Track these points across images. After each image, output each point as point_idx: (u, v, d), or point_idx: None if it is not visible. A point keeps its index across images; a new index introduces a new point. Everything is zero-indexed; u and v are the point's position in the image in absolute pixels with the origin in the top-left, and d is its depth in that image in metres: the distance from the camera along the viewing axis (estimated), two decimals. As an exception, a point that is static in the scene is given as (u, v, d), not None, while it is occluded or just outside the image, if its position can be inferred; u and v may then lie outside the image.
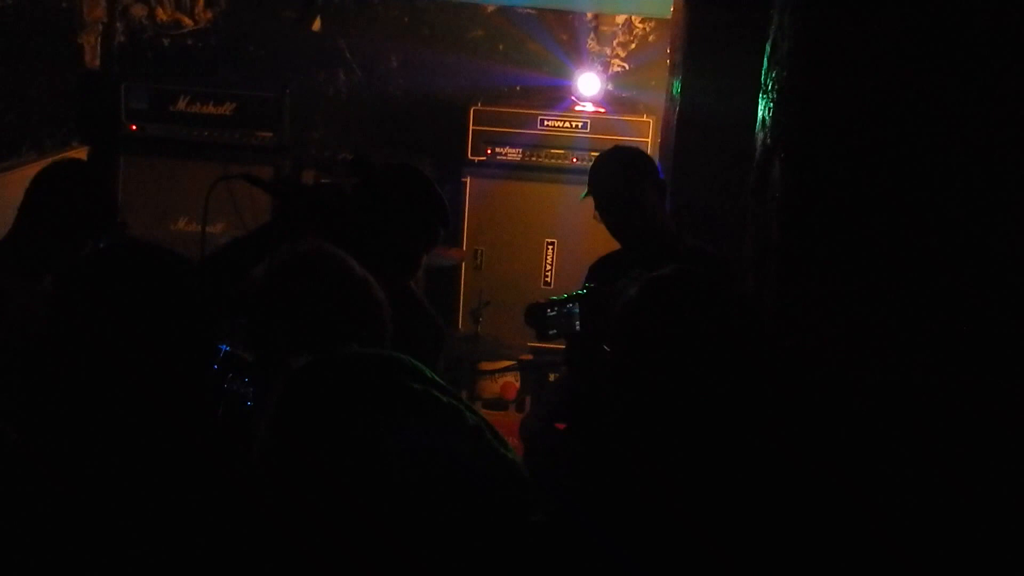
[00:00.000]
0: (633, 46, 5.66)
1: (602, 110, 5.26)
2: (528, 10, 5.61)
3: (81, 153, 5.10)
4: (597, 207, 3.19)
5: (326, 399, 1.70)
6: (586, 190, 3.24)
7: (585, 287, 2.95)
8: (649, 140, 5.02)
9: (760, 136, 2.19)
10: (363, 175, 2.84)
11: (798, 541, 1.71)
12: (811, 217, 1.89)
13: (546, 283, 5.20)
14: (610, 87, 5.58)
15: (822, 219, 1.86)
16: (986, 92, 1.64)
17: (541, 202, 5.19)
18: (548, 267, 5.22)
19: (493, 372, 5.32)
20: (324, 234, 2.51)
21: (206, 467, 1.65)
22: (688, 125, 3.93)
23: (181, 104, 5.13)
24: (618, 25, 5.65)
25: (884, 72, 1.75)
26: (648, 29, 5.64)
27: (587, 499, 1.77)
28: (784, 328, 1.91)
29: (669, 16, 4.75)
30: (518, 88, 5.63)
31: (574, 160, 5.15)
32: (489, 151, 5.21)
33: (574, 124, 5.20)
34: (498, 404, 5.29)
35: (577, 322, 2.81)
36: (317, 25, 5.59)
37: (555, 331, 2.84)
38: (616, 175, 3.16)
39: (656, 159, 3.67)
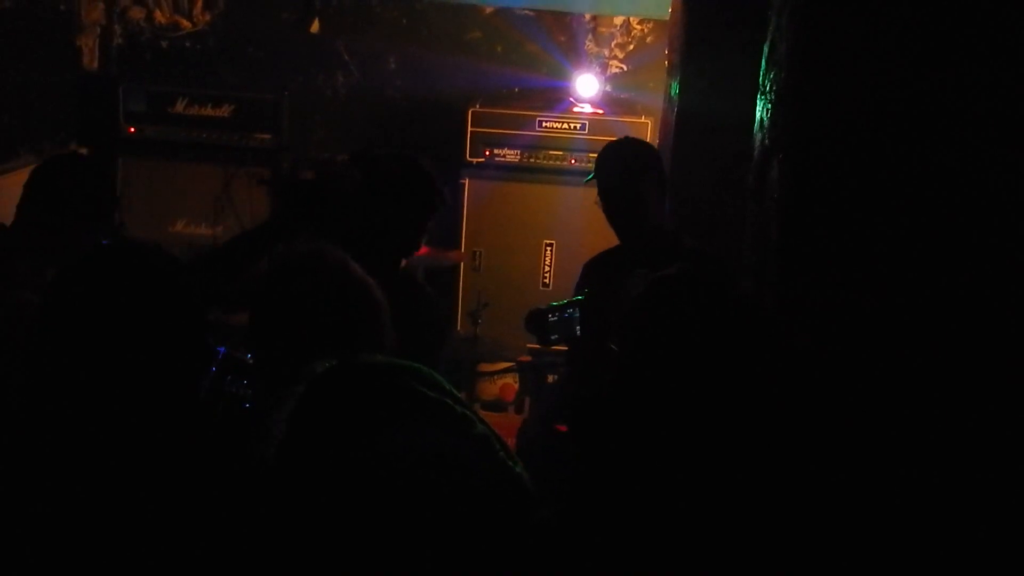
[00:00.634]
0: (631, 47, 5.66)
1: (600, 111, 5.26)
2: (526, 11, 5.61)
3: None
4: (600, 194, 3.20)
5: (347, 405, 1.70)
6: (591, 173, 3.27)
7: (584, 292, 2.96)
8: (647, 141, 5.02)
9: (758, 137, 2.19)
10: (363, 164, 2.93)
11: (798, 540, 1.71)
12: (810, 218, 1.89)
13: (544, 284, 5.20)
14: (608, 88, 5.58)
15: (821, 220, 1.86)
16: (983, 92, 1.64)
17: (539, 203, 5.18)
18: (547, 268, 5.22)
19: (492, 374, 5.32)
20: (325, 223, 2.58)
21: (203, 468, 1.65)
22: (686, 126, 3.93)
23: (179, 106, 5.13)
24: (616, 26, 5.65)
25: (882, 73, 1.76)
26: (646, 30, 5.64)
27: (589, 501, 1.78)
28: (783, 328, 1.91)
29: (667, 17, 4.75)
30: (516, 90, 5.63)
31: (572, 161, 5.16)
32: (487, 152, 5.21)
33: (572, 125, 5.20)
34: (497, 405, 5.30)
35: (578, 327, 2.82)
36: (315, 27, 5.59)
37: (556, 336, 2.85)
38: (620, 166, 3.19)
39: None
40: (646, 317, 1.84)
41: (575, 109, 5.27)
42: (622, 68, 5.66)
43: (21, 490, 1.56)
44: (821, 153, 1.86)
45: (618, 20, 5.64)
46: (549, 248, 5.21)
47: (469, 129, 5.21)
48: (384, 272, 2.31)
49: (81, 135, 5.26)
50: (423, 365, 1.80)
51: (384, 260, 2.81)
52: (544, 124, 5.20)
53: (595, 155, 3.36)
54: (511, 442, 3.27)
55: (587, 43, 5.64)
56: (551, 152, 5.20)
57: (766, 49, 2.14)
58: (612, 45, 5.65)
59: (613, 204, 3.17)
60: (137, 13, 5.62)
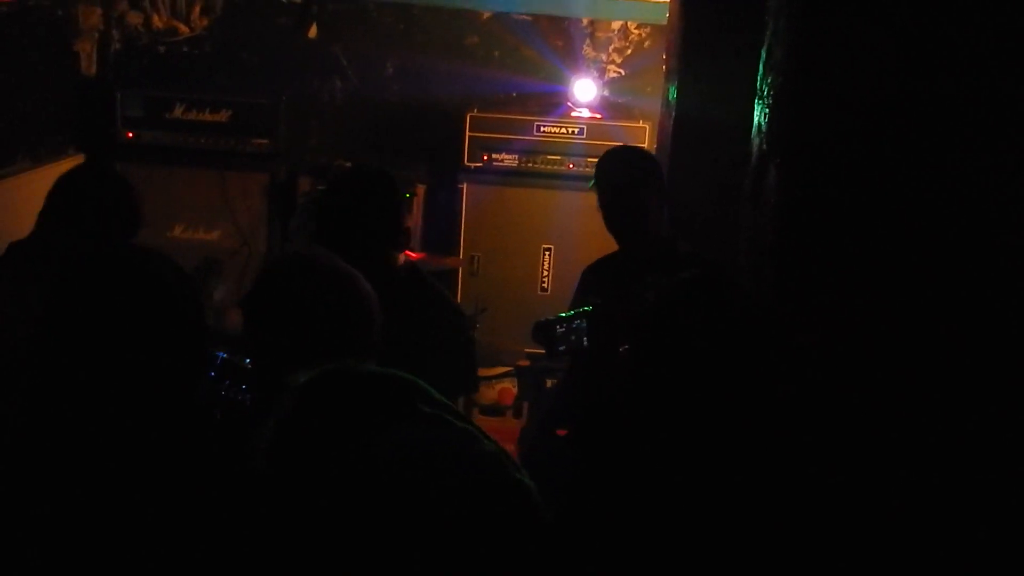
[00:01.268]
0: (629, 52, 5.67)
1: (598, 116, 5.26)
2: (524, 16, 5.61)
3: (78, 160, 5.10)
4: (600, 202, 3.21)
5: (333, 418, 1.70)
6: (592, 179, 3.28)
7: (592, 303, 2.96)
8: (645, 146, 5.01)
9: (756, 141, 2.20)
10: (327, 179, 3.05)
11: (798, 539, 1.71)
12: (806, 222, 1.89)
13: (543, 289, 5.20)
14: (606, 93, 5.58)
15: (817, 224, 1.86)
16: (980, 96, 1.64)
17: (538, 208, 5.19)
18: (545, 273, 5.22)
19: (490, 378, 5.32)
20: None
21: (202, 471, 1.65)
22: (684, 131, 3.94)
23: (177, 111, 5.13)
24: (614, 31, 5.65)
25: (878, 77, 1.76)
26: (644, 35, 5.65)
27: (593, 506, 1.78)
28: (780, 332, 1.91)
29: (665, 22, 4.75)
30: (514, 94, 5.63)
31: (570, 166, 5.16)
32: (485, 157, 5.22)
33: (570, 130, 5.20)
34: (495, 410, 5.29)
35: (585, 337, 2.82)
36: (312, 32, 5.59)
37: (564, 347, 2.85)
38: (620, 174, 3.19)
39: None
40: (659, 322, 1.84)
41: (573, 114, 5.28)
42: (620, 73, 5.67)
43: (21, 492, 1.56)
44: (818, 157, 1.86)
45: (616, 25, 5.64)
46: (547, 253, 5.21)
47: (467, 134, 5.21)
48: (376, 267, 2.31)
49: (78, 140, 5.25)
50: (444, 359, 1.78)
51: (372, 255, 2.78)
52: (542, 129, 5.20)
53: (593, 159, 3.37)
54: (511, 448, 3.27)
55: (585, 48, 5.64)
56: (549, 157, 5.20)
57: (763, 54, 2.14)
58: (610, 50, 5.66)
59: (613, 211, 3.18)
60: (135, 18, 5.62)
